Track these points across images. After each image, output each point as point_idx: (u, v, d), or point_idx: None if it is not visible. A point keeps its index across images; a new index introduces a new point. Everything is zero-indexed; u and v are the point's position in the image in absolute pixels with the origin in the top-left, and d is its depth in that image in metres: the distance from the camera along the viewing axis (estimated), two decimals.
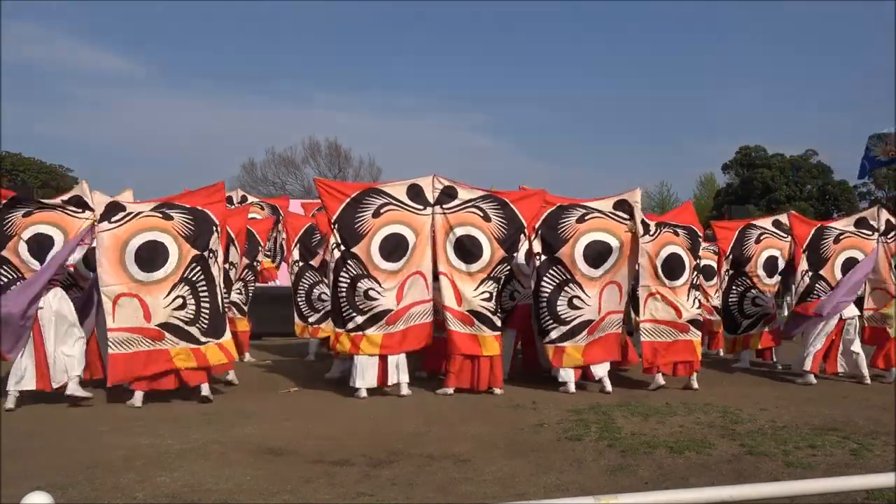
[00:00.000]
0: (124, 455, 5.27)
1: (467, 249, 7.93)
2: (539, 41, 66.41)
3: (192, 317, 7.32)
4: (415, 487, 4.58)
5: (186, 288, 7.30)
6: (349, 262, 7.72)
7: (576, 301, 8.08)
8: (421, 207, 7.99)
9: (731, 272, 10.18)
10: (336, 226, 7.76)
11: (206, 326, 7.41)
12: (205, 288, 7.42)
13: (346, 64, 63.48)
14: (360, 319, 7.66)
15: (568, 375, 8.10)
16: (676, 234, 8.51)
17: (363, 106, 62.33)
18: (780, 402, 7.58)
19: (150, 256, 7.20)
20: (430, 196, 8.04)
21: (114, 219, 7.28)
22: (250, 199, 12.57)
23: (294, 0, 63.06)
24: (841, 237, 9.10)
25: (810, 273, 8.98)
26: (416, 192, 8.03)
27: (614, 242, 8.16)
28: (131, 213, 7.36)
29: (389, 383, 7.80)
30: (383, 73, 63.80)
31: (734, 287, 10.14)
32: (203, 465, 5.03)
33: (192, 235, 7.40)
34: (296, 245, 9.73)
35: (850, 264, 8.98)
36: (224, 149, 59.24)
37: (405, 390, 7.80)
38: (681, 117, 62.74)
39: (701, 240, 8.83)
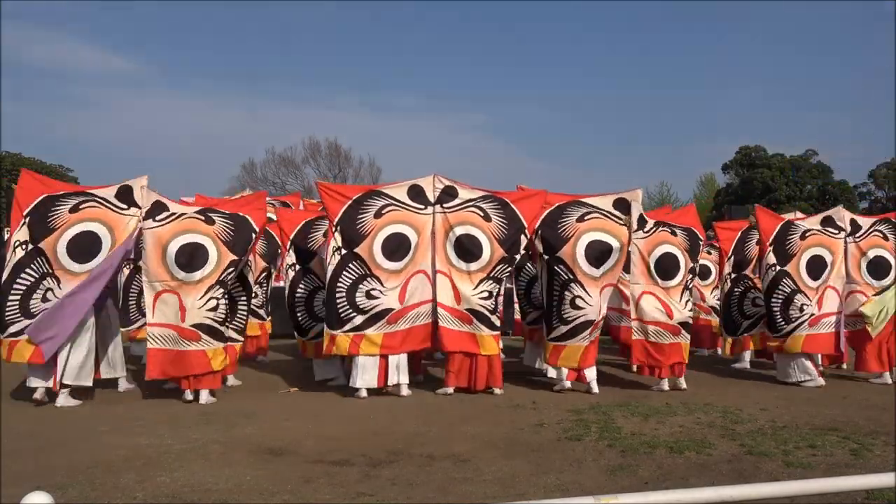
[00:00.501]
0: (124, 455, 5.27)
1: (467, 249, 7.93)
2: (539, 41, 66.53)
3: (223, 317, 7.45)
4: (415, 487, 4.59)
5: (221, 291, 7.40)
6: (351, 263, 7.72)
7: (578, 301, 8.06)
8: (422, 207, 8.00)
9: (732, 275, 10.16)
10: (338, 228, 7.77)
11: (230, 326, 7.61)
12: (235, 291, 7.63)
13: (346, 64, 63.56)
14: (359, 320, 7.66)
15: (561, 373, 8.11)
16: (674, 234, 8.49)
17: (363, 106, 62.43)
18: (780, 402, 7.59)
19: (190, 257, 7.30)
20: (431, 195, 8.05)
21: (158, 217, 7.39)
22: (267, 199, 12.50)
23: (294, 0, 63.09)
24: (807, 234, 8.95)
25: (777, 268, 8.84)
26: (416, 193, 8.04)
27: (615, 243, 8.15)
28: (175, 213, 7.48)
29: (389, 384, 7.81)
30: (383, 73, 63.91)
31: (735, 289, 10.12)
32: (203, 465, 5.03)
33: (232, 241, 7.50)
34: (290, 247, 9.00)
35: (815, 262, 8.84)
36: (224, 149, 59.33)
37: (405, 391, 7.80)
38: (681, 117, 62.84)
39: (701, 243, 8.80)
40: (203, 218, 7.51)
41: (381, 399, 7.65)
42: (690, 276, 8.57)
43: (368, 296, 7.68)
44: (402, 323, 7.79)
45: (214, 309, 7.32)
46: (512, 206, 8.08)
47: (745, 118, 61.80)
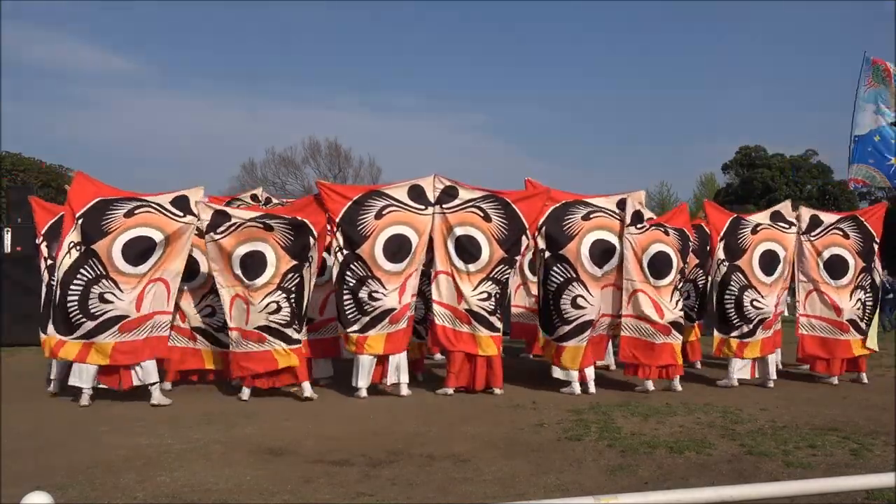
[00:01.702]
0: (124, 455, 5.27)
1: (465, 249, 7.94)
2: (539, 41, 66.45)
3: (287, 320, 7.54)
4: (415, 487, 4.59)
5: (282, 295, 7.53)
6: (353, 263, 7.74)
7: (579, 300, 8.07)
8: (422, 208, 8.00)
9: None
10: (339, 228, 7.79)
11: (297, 328, 7.65)
12: (296, 295, 7.65)
13: (346, 64, 63.51)
14: (365, 320, 7.71)
15: (571, 376, 8.09)
16: (667, 233, 8.46)
17: (363, 106, 62.29)
18: (780, 402, 7.59)
19: (253, 264, 7.48)
20: (432, 196, 8.05)
21: (219, 230, 7.51)
22: (274, 200, 12.29)
23: (294, 0, 63.09)
24: (759, 228, 8.84)
25: (727, 263, 8.71)
26: (417, 193, 8.04)
27: (618, 243, 8.17)
28: (235, 223, 7.58)
29: (388, 383, 7.84)
30: (383, 73, 63.79)
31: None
32: (203, 465, 5.04)
33: (291, 246, 7.60)
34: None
35: (768, 256, 8.74)
36: (224, 149, 59.13)
37: (405, 390, 7.82)
38: (681, 117, 62.74)
39: (691, 244, 8.75)
40: (262, 225, 7.61)
41: (381, 399, 7.65)
42: (680, 276, 8.53)
43: (371, 297, 7.71)
44: (402, 322, 7.83)
45: (276, 312, 7.47)
46: (513, 205, 8.07)
47: (745, 118, 61.73)
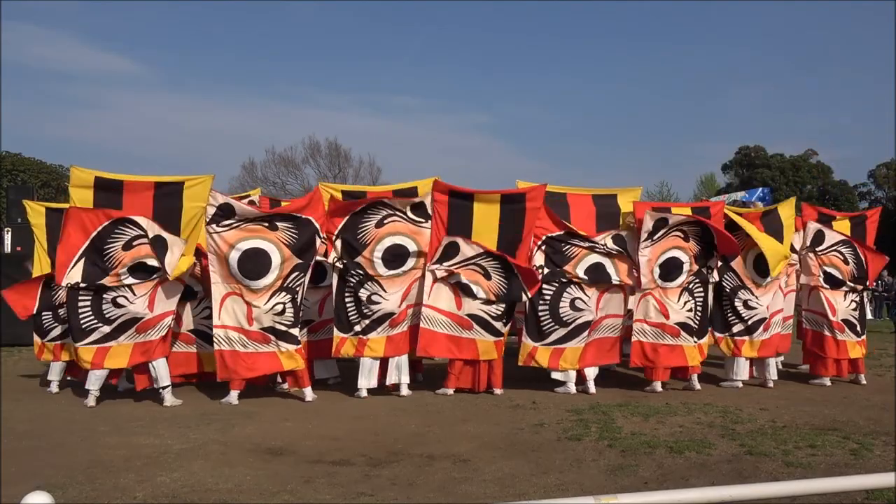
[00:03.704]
0: (124, 455, 5.27)
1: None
2: (539, 41, 66.50)
3: (291, 321, 7.49)
4: (415, 487, 4.59)
5: (287, 296, 7.45)
6: (353, 269, 7.75)
7: (577, 303, 8.08)
8: (423, 221, 7.98)
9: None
10: (339, 237, 7.79)
11: (298, 330, 7.61)
12: (299, 295, 7.58)
13: (346, 64, 63.51)
14: (365, 323, 7.73)
15: (568, 376, 8.10)
16: (686, 239, 8.41)
17: (363, 106, 62.31)
18: (780, 402, 7.59)
19: (255, 264, 7.35)
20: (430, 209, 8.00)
21: (223, 223, 7.40)
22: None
23: (294, 0, 63.13)
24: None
25: (721, 262, 8.70)
26: (417, 206, 7.99)
27: (609, 264, 8.19)
28: (239, 219, 7.45)
29: (388, 383, 7.86)
30: (383, 73, 63.81)
31: None
32: (203, 465, 5.04)
33: (296, 244, 7.51)
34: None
35: (763, 260, 8.62)
36: (224, 149, 59.16)
37: (405, 391, 7.82)
38: (681, 117, 62.81)
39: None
40: (267, 224, 7.51)
41: (381, 399, 7.65)
42: (693, 278, 8.48)
43: (370, 301, 7.73)
44: (403, 325, 7.86)
45: (281, 313, 7.40)
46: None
47: (745, 118, 61.84)
